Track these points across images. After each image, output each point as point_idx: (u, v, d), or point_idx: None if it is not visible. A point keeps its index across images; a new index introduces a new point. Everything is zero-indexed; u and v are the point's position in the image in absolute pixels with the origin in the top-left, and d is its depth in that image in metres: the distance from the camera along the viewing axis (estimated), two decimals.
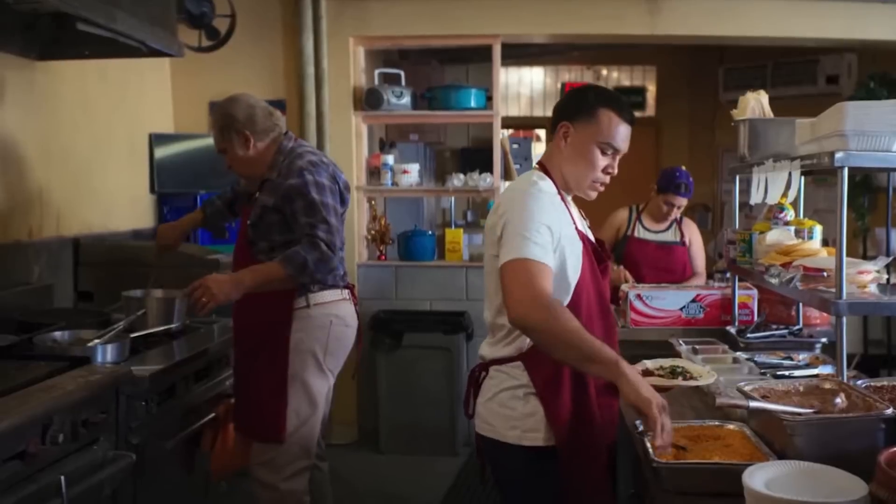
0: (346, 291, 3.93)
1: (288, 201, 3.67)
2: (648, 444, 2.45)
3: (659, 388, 2.59)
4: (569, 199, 2.80)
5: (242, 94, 3.89)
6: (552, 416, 2.61)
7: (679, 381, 2.72)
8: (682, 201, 5.48)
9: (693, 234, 5.68)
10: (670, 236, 5.61)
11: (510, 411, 2.66)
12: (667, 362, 2.94)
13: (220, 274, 3.85)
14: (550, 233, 2.56)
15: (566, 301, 2.61)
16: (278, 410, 3.70)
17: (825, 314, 4.18)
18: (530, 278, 2.48)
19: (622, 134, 2.73)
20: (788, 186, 3.54)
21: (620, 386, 2.41)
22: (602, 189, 2.81)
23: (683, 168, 5.61)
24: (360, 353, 4.13)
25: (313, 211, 3.63)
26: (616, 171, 2.76)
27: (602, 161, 2.72)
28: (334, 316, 3.82)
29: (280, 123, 3.91)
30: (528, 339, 2.60)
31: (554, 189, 2.73)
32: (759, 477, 2.00)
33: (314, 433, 3.86)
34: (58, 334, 3.63)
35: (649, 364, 2.93)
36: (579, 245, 2.68)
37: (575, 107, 2.76)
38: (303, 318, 3.75)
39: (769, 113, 3.93)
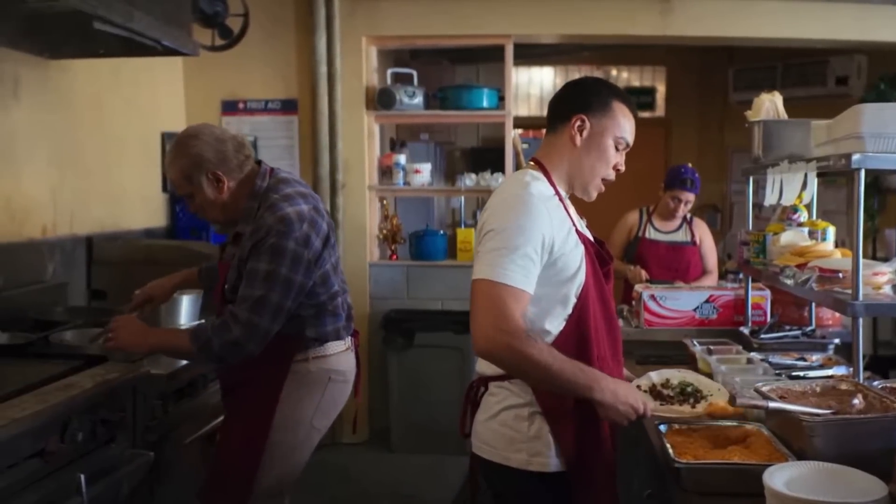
0: (350, 339, 3.44)
1: (244, 264, 3.08)
2: (668, 445, 2.46)
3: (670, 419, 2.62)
4: (566, 199, 2.60)
5: (205, 127, 3.27)
6: (560, 437, 2.44)
7: (687, 410, 2.70)
8: (689, 196, 5.52)
9: (704, 234, 5.72)
10: (681, 236, 5.64)
11: (514, 433, 2.47)
12: (675, 376, 2.91)
13: (134, 321, 3.24)
14: (542, 246, 2.38)
15: (571, 307, 2.46)
16: (246, 481, 3.16)
17: (837, 315, 4.20)
18: (501, 309, 2.31)
19: (633, 128, 2.60)
20: (802, 188, 3.53)
21: (598, 409, 2.37)
22: (603, 189, 2.65)
23: (689, 165, 5.65)
24: (360, 400, 3.65)
25: (252, 282, 3.00)
26: (623, 168, 2.62)
27: (614, 157, 2.58)
28: (333, 371, 3.31)
29: (251, 154, 3.30)
30: None
31: (550, 191, 2.52)
32: (780, 477, 2.01)
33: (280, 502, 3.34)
34: (73, 333, 3.65)
35: (655, 378, 2.90)
36: (581, 249, 2.48)
37: (587, 99, 2.57)
38: (299, 372, 3.21)
39: (783, 114, 3.93)
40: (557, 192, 2.54)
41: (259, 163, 3.31)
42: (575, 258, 2.46)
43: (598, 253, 2.59)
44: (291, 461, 3.28)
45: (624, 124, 2.58)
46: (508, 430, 2.48)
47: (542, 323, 2.45)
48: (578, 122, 2.54)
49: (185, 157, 3.16)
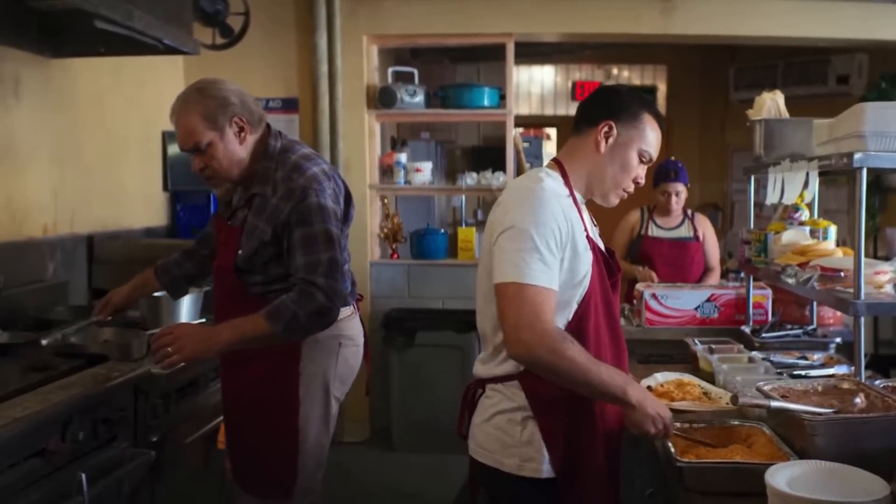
0: (354, 304, 3.38)
1: (287, 230, 2.99)
2: (670, 444, 2.45)
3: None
4: (582, 203, 2.55)
5: (221, 79, 3.15)
6: (550, 443, 2.41)
7: (698, 406, 2.70)
8: (678, 187, 5.54)
9: (707, 230, 5.71)
10: (684, 232, 5.63)
11: (507, 437, 2.45)
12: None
13: (194, 325, 3.22)
14: (561, 241, 2.35)
15: (571, 314, 2.42)
16: (289, 462, 3.14)
17: (838, 314, 4.19)
18: (534, 310, 2.26)
19: (659, 143, 2.57)
20: (803, 187, 3.53)
21: (626, 415, 2.37)
22: (625, 196, 2.62)
23: (672, 158, 5.67)
24: (370, 368, 3.61)
25: (314, 247, 2.95)
26: (643, 181, 2.59)
27: (637, 169, 2.55)
28: (343, 337, 3.24)
29: (265, 114, 3.24)
30: None
31: (565, 190, 2.49)
32: (782, 476, 2.00)
33: (318, 476, 3.30)
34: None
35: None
36: (590, 256, 2.44)
37: (617, 106, 2.53)
38: (308, 341, 3.10)
39: (785, 113, 3.93)
40: (572, 194, 2.51)
41: (269, 126, 3.22)
42: (584, 263, 2.42)
43: (606, 262, 2.55)
44: (324, 434, 3.25)
45: (650, 138, 2.54)
46: (501, 434, 2.46)
47: None
48: (605, 128, 2.51)
49: (209, 98, 3.03)
